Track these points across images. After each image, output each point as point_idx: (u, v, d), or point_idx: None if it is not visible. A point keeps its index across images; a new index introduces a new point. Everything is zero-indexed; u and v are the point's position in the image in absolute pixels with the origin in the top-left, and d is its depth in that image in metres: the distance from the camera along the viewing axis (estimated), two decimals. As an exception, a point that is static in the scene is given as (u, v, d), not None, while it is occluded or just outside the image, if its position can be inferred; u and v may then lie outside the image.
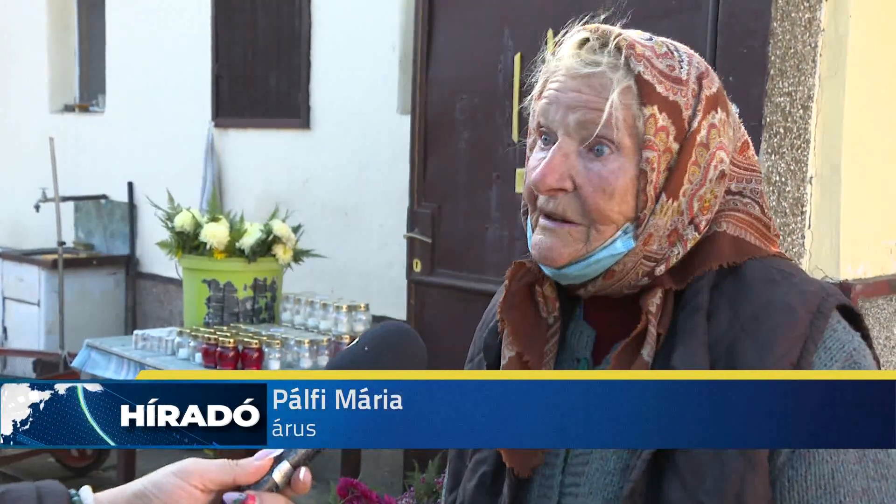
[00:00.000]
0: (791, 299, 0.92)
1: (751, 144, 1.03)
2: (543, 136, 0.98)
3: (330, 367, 0.89)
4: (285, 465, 0.84)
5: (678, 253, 0.95)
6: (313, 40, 4.70)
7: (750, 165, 1.01)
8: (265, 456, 0.84)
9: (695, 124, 0.93)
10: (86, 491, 0.85)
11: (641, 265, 0.95)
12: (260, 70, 4.98)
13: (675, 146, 0.93)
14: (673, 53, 0.96)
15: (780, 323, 0.90)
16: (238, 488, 0.83)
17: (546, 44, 3.15)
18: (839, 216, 2.57)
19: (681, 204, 0.94)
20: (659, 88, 0.93)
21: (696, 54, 0.99)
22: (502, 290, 1.12)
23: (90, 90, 6.39)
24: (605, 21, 1.01)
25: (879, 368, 0.96)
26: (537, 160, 0.97)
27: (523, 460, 0.98)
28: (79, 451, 4.63)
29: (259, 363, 3.38)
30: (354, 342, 0.91)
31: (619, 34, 0.96)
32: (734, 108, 1.01)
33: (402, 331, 0.92)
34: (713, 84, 0.97)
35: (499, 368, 1.02)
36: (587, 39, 0.96)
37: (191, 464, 0.84)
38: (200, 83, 5.23)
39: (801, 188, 2.58)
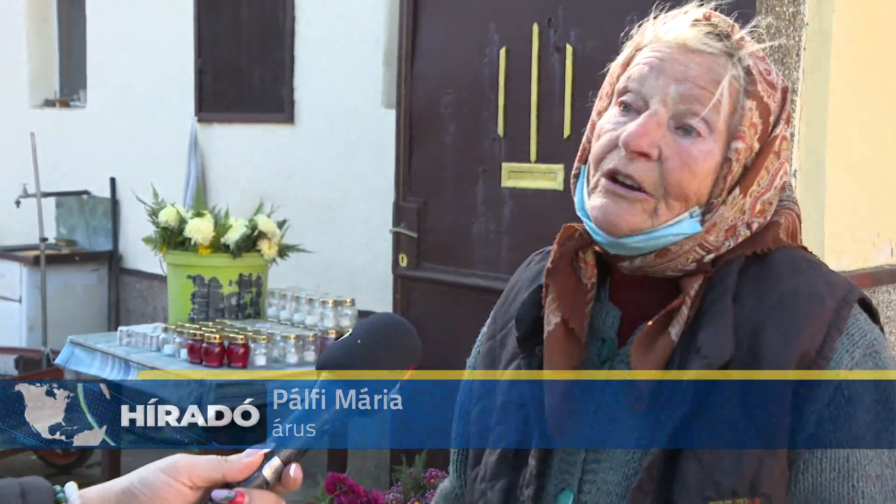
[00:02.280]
0: (818, 288, 0.94)
1: None
2: (624, 105, 0.97)
3: (322, 359, 0.89)
4: (275, 462, 0.84)
5: (729, 245, 0.97)
6: (297, 34, 4.68)
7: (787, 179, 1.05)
8: (255, 452, 0.83)
9: (777, 130, 0.97)
10: (71, 488, 0.83)
11: (695, 252, 0.96)
12: (244, 64, 4.96)
13: (757, 146, 0.96)
14: (767, 60, 1.00)
15: (807, 310, 0.92)
16: (227, 485, 0.82)
17: (533, 38, 3.15)
18: (823, 209, 2.59)
19: (746, 203, 0.96)
20: (759, 87, 0.96)
21: (778, 72, 1.03)
22: (526, 264, 1.11)
23: (71, 85, 6.34)
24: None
25: (895, 360, 0.97)
26: (615, 123, 0.96)
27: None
28: (62, 448, 4.61)
29: (245, 359, 3.37)
30: (347, 334, 0.91)
31: (733, 25, 0.98)
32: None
33: (395, 322, 0.92)
34: (790, 102, 1.01)
35: (533, 338, 1.01)
36: (700, 21, 0.97)
37: (179, 460, 0.83)
38: (183, 77, 5.20)
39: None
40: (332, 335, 3.53)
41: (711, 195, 0.95)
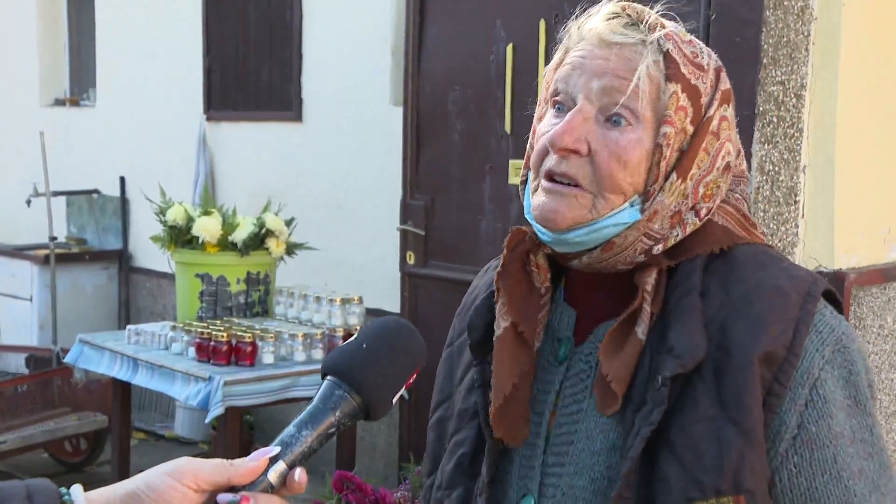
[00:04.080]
0: (781, 282, 0.94)
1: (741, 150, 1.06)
2: (557, 106, 0.98)
3: (327, 364, 0.88)
4: (280, 465, 0.83)
5: (677, 235, 0.96)
6: (305, 32, 4.68)
7: (743, 169, 1.03)
8: (260, 456, 0.83)
9: (710, 111, 0.96)
10: (76, 490, 0.83)
11: (641, 242, 0.96)
12: (252, 63, 4.96)
13: (690, 129, 0.96)
14: (695, 43, 0.99)
15: (772, 304, 0.92)
16: (233, 489, 0.82)
17: (541, 34, 3.14)
18: (833, 205, 2.57)
19: (687, 187, 0.96)
20: (684, 70, 0.95)
21: (715, 56, 1.02)
22: (484, 271, 1.11)
23: (81, 84, 6.36)
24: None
25: (865, 353, 0.99)
26: (550, 125, 0.97)
27: (514, 432, 0.98)
28: (72, 447, 4.62)
29: (252, 357, 3.37)
30: (352, 338, 0.90)
31: (648, 11, 0.99)
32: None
33: (400, 326, 0.91)
34: (727, 81, 0.99)
35: (483, 345, 1.01)
36: (617, 14, 0.98)
37: (184, 463, 0.83)
38: (192, 76, 5.21)
39: (795, 177, 2.57)
40: (340, 333, 3.53)
41: (647, 183, 0.95)
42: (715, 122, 0.96)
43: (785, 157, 2.57)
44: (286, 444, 0.84)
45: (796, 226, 2.58)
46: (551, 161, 0.96)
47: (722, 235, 0.97)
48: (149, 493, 0.81)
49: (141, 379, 3.53)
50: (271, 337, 3.42)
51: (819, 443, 0.91)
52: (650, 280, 0.94)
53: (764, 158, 2.55)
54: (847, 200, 2.61)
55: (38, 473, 0.83)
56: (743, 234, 0.99)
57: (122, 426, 3.78)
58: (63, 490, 0.83)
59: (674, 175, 0.95)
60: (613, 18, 0.97)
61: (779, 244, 2.55)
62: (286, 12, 4.75)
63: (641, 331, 0.93)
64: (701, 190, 0.96)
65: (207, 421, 3.37)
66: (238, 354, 3.36)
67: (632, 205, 0.94)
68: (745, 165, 1.04)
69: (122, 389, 3.76)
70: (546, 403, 1.00)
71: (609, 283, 0.98)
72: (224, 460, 0.83)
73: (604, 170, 0.94)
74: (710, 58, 0.98)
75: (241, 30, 5.00)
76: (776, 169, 2.57)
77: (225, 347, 3.35)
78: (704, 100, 0.96)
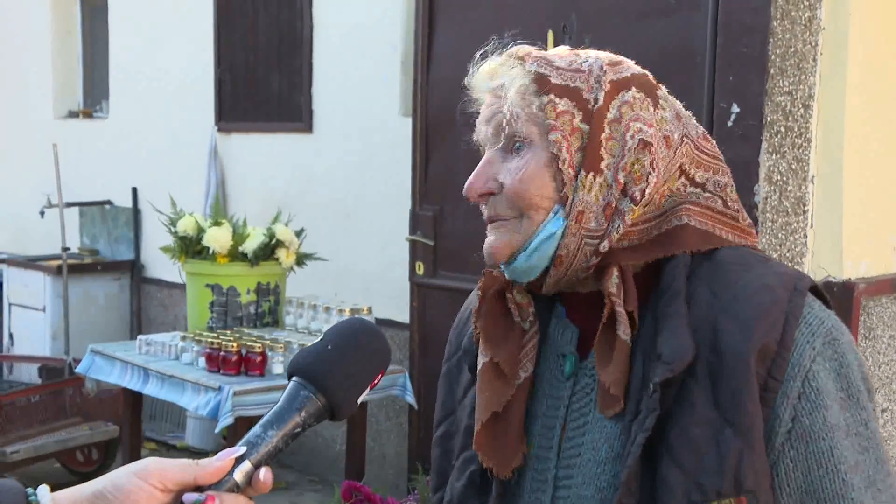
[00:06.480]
0: (768, 279, 0.95)
1: (710, 137, 1.05)
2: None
3: (293, 365, 0.88)
4: (246, 465, 0.83)
5: (618, 227, 0.97)
6: (314, 43, 4.70)
7: (715, 154, 1.03)
8: (226, 455, 0.83)
9: (599, 103, 0.98)
10: (43, 490, 0.83)
11: (585, 245, 0.98)
12: (262, 73, 4.99)
13: (584, 126, 0.98)
14: (579, 55, 1.03)
15: (761, 302, 0.93)
16: (199, 488, 0.82)
17: (548, 44, 3.15)
18: (841, 215, 2.56)
19: (606, 178, 0.97)
20: (557, 79, 0.99)
21: (609, 56, 1.03)
22: (476, 291, 1.13)
23: (94, 96, 6.41)
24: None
25: (855, 344, 0.98)
26: None
27: (503, 461, 1.00)
28: (84, 457, 4.64)
29: (262, 367, 3.38)
30: (318, 339, 0.90)
31: (516, 50, 1.04)
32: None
33: (365, 327, 0.92)
34: (622, 71, 1.01)
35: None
36: (492, 65, 1.04)
37: (151, 463, 0.83)
38: (203, 87, 5.24)
39: (803, 187, 2.56)
40: (349, 343, 3.53)
41: (558, 190, 0.98)
42: (613, 111, 0.98)
43: (793, 167, 2.56)
44: (252, 444, 0.84)
45: (805, 236, 2.57)
46: (484, 210, 1.03)
47: (696, 237, 0.98)
48: (115, 493, 0.81)
49: (151, 389, 3.54)
50: (281, 347, 3.43)
51: (814, 435, 0.91)
52: (612, 281, 0.96)
53: (772, 168, 2.55)
54: (856, 210, 2.60)
55: (50, 483, 0.83)
56: (724, 234, 0.99)
57: (132, 436, 3.80)
58: (30, 490, 0.83)
59: (582, 173, 0.97)
60: (488, 68, 1.04)
61: (787, 254, 2.54)
62: (296, 23, 4.78)
63: (622, 331, 0.94)
64: (622, 175, 0.97)
65: (217, 431, 3.38)
66: (248, 365, 3.38)
67: (554, 214, 0.98)
68: (717, 149, 1.03)
69: (133, 399, 3.78)
70: (557, 419, 1.01)
71: (600, 298, 0.99)
72: (190, 460, 0.83)
73: (512, 193, 0.99)
74: (594, 60, 1.01)
75: (251, 41, 5.03)
76: (784, 179, 2.56)
77: (235, 358, 3.37)
78: (589, 95, 0.98)
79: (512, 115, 0.99)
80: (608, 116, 0.97)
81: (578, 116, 0.97)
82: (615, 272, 0.96)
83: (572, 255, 0.98)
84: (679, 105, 1.04)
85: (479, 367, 1.03)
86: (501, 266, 1.03)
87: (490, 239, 1.02)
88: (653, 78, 1.03)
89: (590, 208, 0.97)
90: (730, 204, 1.01)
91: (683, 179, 1.00)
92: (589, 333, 1.02)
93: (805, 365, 0.92)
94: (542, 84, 0.99)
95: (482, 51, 1.07)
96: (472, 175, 1.03)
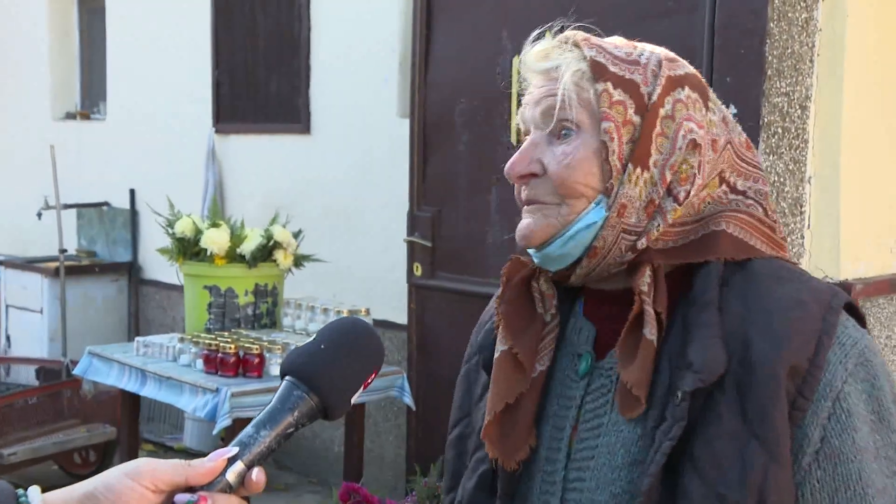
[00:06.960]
0: (802, 295, 0.93)
1: (753, 146, 1.05)
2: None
3: (286, 365, 0.88)
4: (239, 465, 0.83)
5: (658, 225, 0.96)
6: (313, 45, 4.70)
7: (755, 163, 1.02)
8: (218, 456, 0.83)
9: (654, 98, 0.97)
10: (33, 491, 0.83)
11: (622, 239, 0.96)
12: (260, 75, 4.99)
13: (637, 119, 0.97)
14: (636, 47, 1.01)
15: (794, 317, 0.91)
16: (190, 489, 0.82)
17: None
18: (839, 216, 2.57)
19: (653, 175, 0.96)
20: (613, 68, 0.98)
21: (665, 52, 1.02)
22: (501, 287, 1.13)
23: (91, 97, 6.40)
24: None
25: (886, 365, 0.97)
26: None
27: (509, 452, 0.99)
28: (81, 459, 4.64)
29: (260, 369, 3.38)
30: (311, 339, 0.90)
31: (573, 34, 1.02)
32: (732, 110, 1.02)
33: (358, 326, 0.91)
34: (678, 69, 1.00)
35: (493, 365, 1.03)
36: (545, 46, 1.02)
37: (142, 464, 0.82)
38: (201, 89, 5.24)
39: (800, 188, 2.57)
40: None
41: (604, 181, 0.97)
42: (667, 107, 0.97)
43: (790, 167, 2.56)
44: (244, 444, 0.84)
45: (802, 237, 2.58)
46: (522, 191, 1.02)
47: (731, 245, 0.96)
48: (106, 494, 0.81)
49: (149, 391, 3.54)
50: (279, 349, 3.43)
51: (843, 457, 0.90)
52: (644, 280, 0.94)
53: (769, 169, 2.55)
54: (853, 211, 2.61)
55: (48, 485, 0.83)
56: (761, 245, 0.98)
57: (130, 438, 3.79)
58: (20, 491, 0.83)
59: (630, 166, 0.96)
60: (541, 49, 1.02)
61: (785, 255, 2.55)
62: (294, 25, 4.78)
63: (649, 331, 0.93)
64: (669, 174, 0.96)
65: (215, 432, 3.37)
66: (245, 366, 3.37)
67: (597, 204, 0.96)
68: (759, 158, 1.03)
69: (131, 401, 3.77)
70: (567, 419, 1.00)
71: (623, 298, 0.98)
72: (182, 461, 0.83)
73: (556, 179, 0.97)
74: (651, 54, 1.00)
75: (249, 42, 5.03)
76: (781, 180, 2.57)
77: (232, 359, 3.36)
78: (645, 89, 0.97)
79: (565, 99, 0.97)
80: (662, 112, 0.96)
81: (632, 109, 0.96)
82: (648, 270, 0.95)
83: (608, 247, 0.97)
84: (725, 110, 1.03)
85: (496, 355, 1.01)
86: (531, 251, 1.01)
87: (525, 222, 1.00)
88: (704, 80, 1.03)
89: (632, 203, 0.96)
90: (769, 213, 1.01)
91: (724, 187, 0.99)
92: (606, 333, 1.01)
93: (837, 385, 0.90)
94: (598, 71, 0.97)
95: (538, 31, 1.05)
96: (515, 154, 1.00)
